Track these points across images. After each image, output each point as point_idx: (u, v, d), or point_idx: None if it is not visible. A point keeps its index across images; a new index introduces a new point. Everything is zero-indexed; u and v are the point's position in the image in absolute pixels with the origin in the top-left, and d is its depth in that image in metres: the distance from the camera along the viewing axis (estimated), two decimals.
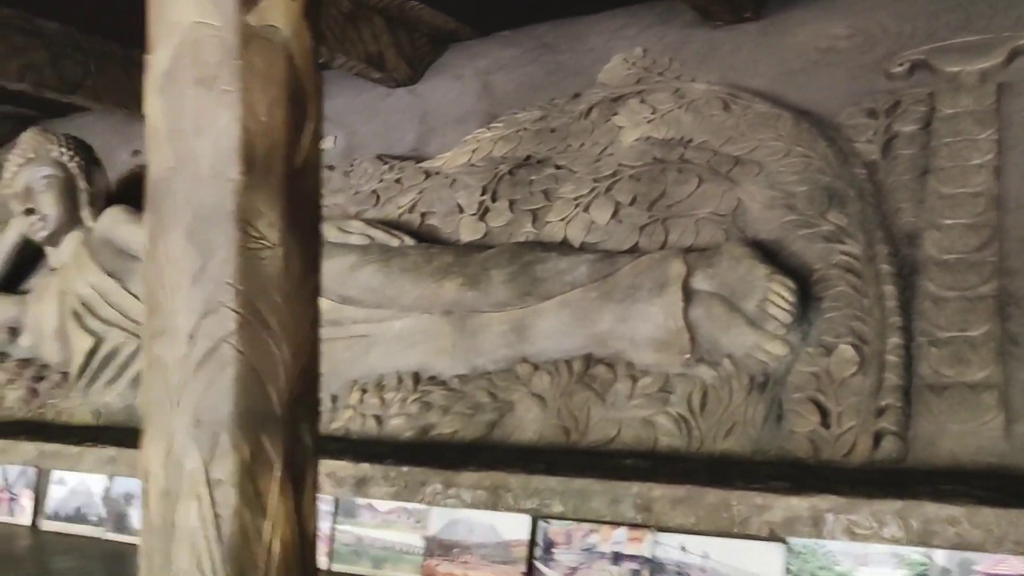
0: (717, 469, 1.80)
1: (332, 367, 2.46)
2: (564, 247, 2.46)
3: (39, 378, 2.97)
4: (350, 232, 2.73)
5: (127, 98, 4.35)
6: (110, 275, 3.00)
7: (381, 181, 3.05)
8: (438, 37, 3.96)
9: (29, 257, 3.64)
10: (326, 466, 1.91)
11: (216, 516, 1.15)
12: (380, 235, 2.70)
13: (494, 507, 1.75)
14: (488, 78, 3.65)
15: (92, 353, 2.85)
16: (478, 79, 3.67)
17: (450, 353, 2.33)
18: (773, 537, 1.66)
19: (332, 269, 2.60)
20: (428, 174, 2.99)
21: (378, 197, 2.98)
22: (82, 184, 3.33)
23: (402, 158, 3.22)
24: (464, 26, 3.84)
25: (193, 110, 1.16)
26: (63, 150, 3.34)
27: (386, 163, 3.18)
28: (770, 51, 3.02)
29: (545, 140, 2.90)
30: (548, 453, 1.98)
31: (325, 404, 2.39)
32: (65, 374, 2.94)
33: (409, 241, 2.67)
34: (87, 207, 3.31)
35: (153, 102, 1.21)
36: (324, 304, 2.51)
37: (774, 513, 1.65)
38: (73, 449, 2.29)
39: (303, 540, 1.23)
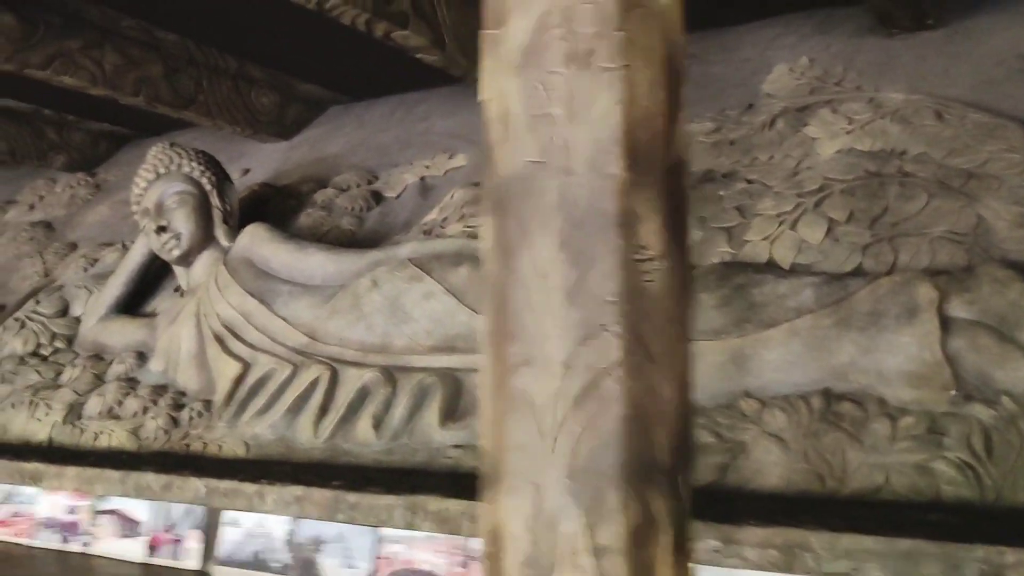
0: None
1: None
2: (777, 269, 2.23)
3: (178, 406, 2.77)
4: None
5: (238, 115, 4.20)
6: (254, 296, 2.81)
7: None
8: None
9: (151, 278, 3.48)
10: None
11: None
12: None
13: (788, 569, 1.50)
14: None
15: (239, 380, 2.64)
16: None
17: None
18: None
19: None
20: None
21: None
22: (215, 201, 3.16)
23: None
24: None
25: (564, 92, 0.95)
26: (195, 165, 3.17)
27: None
28: (962, 60, 2.79)
29: (725, 153, 2.68)
30: (805, 503, 1.73)
31: None
32: (207, 402, 2.75)
33: None
34: (222, 225, 3.14)
35: (505, 84, 1.00)
36: None
37: None
38: (250, 487, 2.07)
39: None
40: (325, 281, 2.80)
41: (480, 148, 3.45)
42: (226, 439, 2.58)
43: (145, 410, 2.84)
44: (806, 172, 2.46)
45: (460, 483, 2.02)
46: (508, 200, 0.99)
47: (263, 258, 2.93)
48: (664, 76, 0.98)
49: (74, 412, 2.98)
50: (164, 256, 3.13)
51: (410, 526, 1.82)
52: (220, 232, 3.13)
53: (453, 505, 1.79)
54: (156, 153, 3.24)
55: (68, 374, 3.20)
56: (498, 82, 1.01)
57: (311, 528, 1.99)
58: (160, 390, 2.91)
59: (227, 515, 2.15)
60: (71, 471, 2.45)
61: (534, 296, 0.95)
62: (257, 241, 2.96)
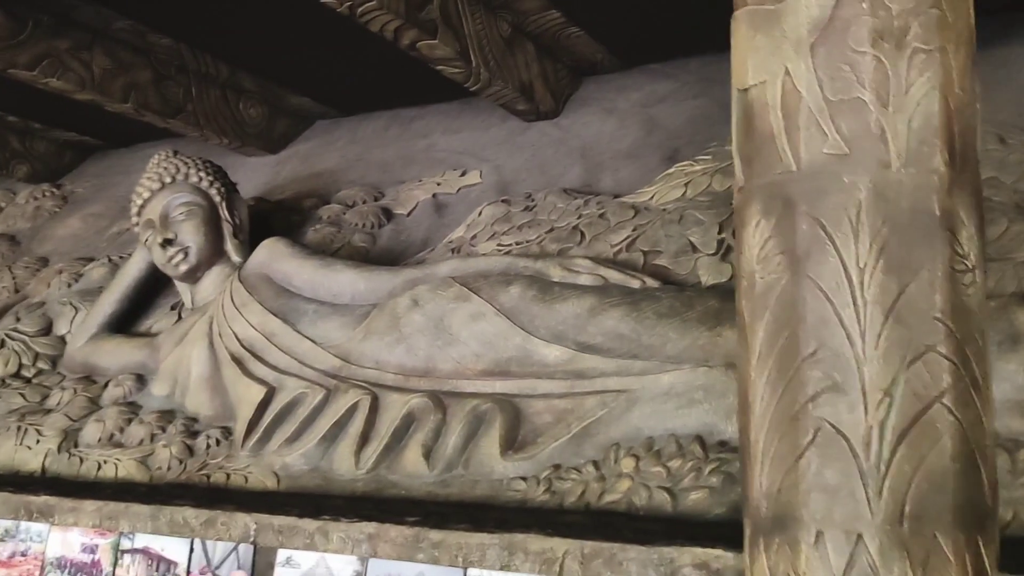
0: None
1: (584, 427, 2.11)
2: None
3: (192, 433, 2.56)
4: (578, 271, 2.39)
5: (226, 126, 4.02)
6: (276, 316, 2.62)
7: (580, 216, 2.72)
8: (578, 69, 3.70)
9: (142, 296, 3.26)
10: (692, 555, 1.55)
11: None
12: (615, 275, 2.36)
13: None
14: (649, 112, 3.38)
15: (264, 405, 2.45)
16: (637, 113, 3.40)
17: None
18: None
19: (567, 313, 2.27)
20: (637, 210, 2.66)
21: (582, 234, 2.64)
22: (225, 214, 2.97)
23: (592, 192, 2.91)
24: (611, 57, 3.58)
25: (874, 75, 0.83)
26: (203, 175, 2.98)
27: (576, 197, 2.86)
28: (1003, 87, 2.80)
29: None
30: None
31: (587, 471, 2.03)
32: (225, 429, 2.54)
33: (651, 282, 2.33)
34: (232, 239, 2.94)
35: (790, 65, 0.88)
36: (560, 354, 2.18)
37: None
38: (311, 523, 1.88)
39: None
40: (355, 300, 2.63)
41: (494, 166, 3.31)
42: (252, 470, 2.38)
43: (153, 437, 2.62)
44: None
45: (546, 520, 1.87)
46: (796, 198, 0.87)
47: (284, 275, 2.74)
48: (971, 61, 0.87)
49: (69, 439, 2.74)
50: (169, 271, 2.91)
51: (506, 567, 1.66)
52: (231, 246, 2.93)
53: (558, 544, 1.64)
54: (160, 161, 3.03)
55: (56, 398, 2.95)
56: (774, 63, 0.88)
57: (384, 569, 1.81)
58: (167, 416, 2.69)
59: (282, 554, 1.95)
60: (89, 505, 2.21)
61: (840, 311, 0.82)
62: (277, 256, 2.77)
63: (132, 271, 3.13)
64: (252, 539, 1.95)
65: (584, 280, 2.37)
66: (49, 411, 2.89)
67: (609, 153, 3.24)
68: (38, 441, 2.75)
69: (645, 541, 1.60)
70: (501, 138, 3.64)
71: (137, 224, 3.01)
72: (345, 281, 2.66)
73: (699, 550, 1.53)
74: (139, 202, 2.96)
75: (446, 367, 2.34)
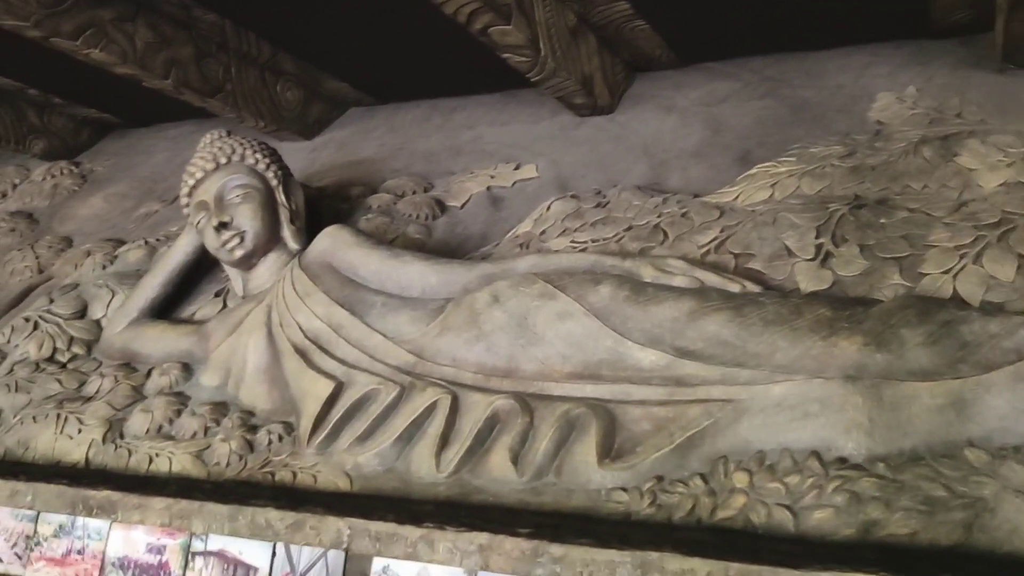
0: None
1: (688, 438, 1.99)
2: (980, 305, 2.05)
3: (250, 427, 2.42)
4: (671, 272, 2.28)
5: (263, 108, 3.89)
6: (343, 307, 2.48)
7: (660, 215, 2.60)
8: (634, 64, 3.61)
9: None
10: None
11: None
12: (712, 278, 2.25)
13: None
14: (711, 111, 3.30)
15: (331, 401, 2.32)
16: (699, 112, 3.32)
17: (866, 430, 1.86)
18: None
19: (663, 316, 2.16)
20: (722, 210, 2.56)
21: (665, 233, 2.53)
22: (281, 198, 2.82)
23: (669, 191, 2.80)
24: (670, 53, 3.49)
25: None
26: (259, 157, 2.83)
27: (652, 195, 2.74)
28: None
29: (869, 179, 2.50)
30: None
31: (694, 484, 1.92)
32: (286, 424, 2.40)
33: (751, 286, 2.23)
34: (289, 225, 2.80)
35: None
36: (657, 358, 2.07)
37: None
38: (413, 531, 1.75)
39: None
40: (425, 293, 2.50)
41: (549, 161, 3.21)
42: (320, 468, 2.24)
43: (207, 430, 2.47)
44: (975, 204, 2.30)
45: (660, 536, 1.76)
46: None
47: (349, 264, 2.60)
48: None
49: (114, 430, 2.58)
50: (222, 256, 2.76)
51: None
52: (288, 233, 2.79)
53: (699, 565, 1.52)
54: (214, 141, 2.88)
55: (95, 385, 2.79)
56: None
57: None
58: (220, 408, 2.55)
59: (378, 563, 1.82)
60: (158, 502, 2.05)
61: None
62: (342, 245, 2.63)
63: (178, 254, 2.97)
64: (345, 546, 1.82)
65: (678, 282, 2.25)
66: (89, 399, 2.73)
67: (674, 152, 3.14)
68: (80, 431, 2.59)
69: (794, 564, 1.48)
70: (553, 132, 3.53)
71: (187, 205, 2.86)
72: (415, 273, 2.52)
73: None
74: (191, 182, 2.81)
75: (530, 368, 2.22)
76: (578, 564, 1.59)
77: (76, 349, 2.97)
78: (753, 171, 2.70)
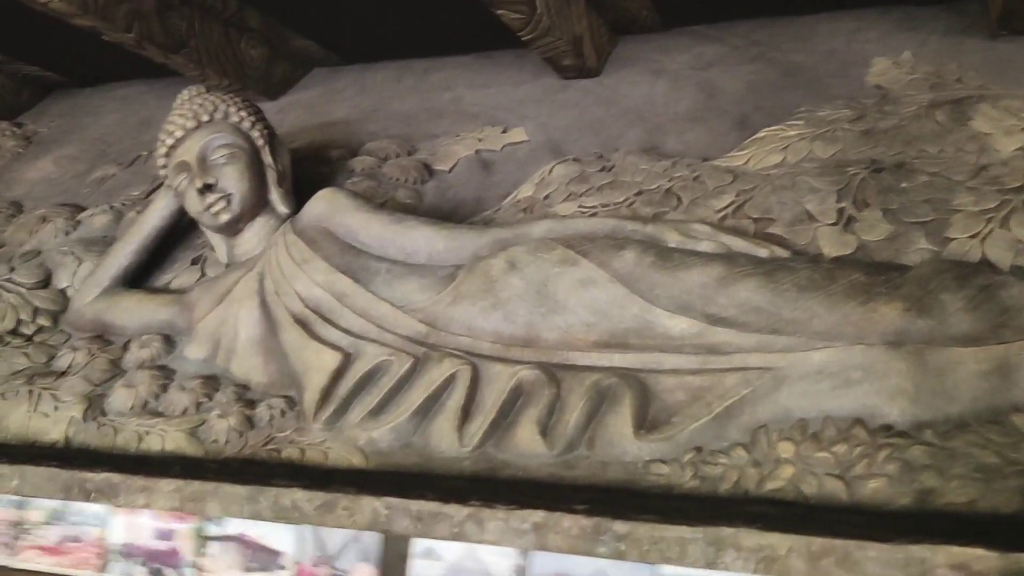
0: None
1: (726, 407, 1.93)
2: (1010, 270, 2.02)
3: (248, 402, 2.28)
4: (696, 237, 2.20)
5: (227, 66, 3.70)
6: (345, 274, 2.35)
7: (671, 179, 2.52)
8: (617, 26, 3.53)
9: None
10: (948, 554, 1.39)
11: None
12: (739, 242, 2.18)
13: None
14: (702, 75, 3.24)
15: (338, 373, 2.19)
16: (689, 76, 3.26)
17: (911, 397, 1.82)
18: None
19: (692, 282, 2.09)
20: (735, 174, 2.49)
21: (678, 198, 2.45)
22: (267, 159, 2.66)
23: (677, 155, 2.72)
24: (655, 15, 3.43)
25: None
26: (243, 115, 2.65)
27: (660, 158, 2.66)
28: None
29: (882, 143, 2.46)
30: None
31: (736, 455, 1.86)
32: (286, 398, 2.27)
33: (779, 251, 2.17)
34: (277, 188, 2.64)
35: None
36: (687, 326, 2.00)
37: None
38: (459, 510, 1.64)
39: None
40: (431, 260, 2.38)
41: (537, 124, 3.10)
42: (331, 445, 2.11)
43: (199, 406, 2.32)
44: (996, 168, 2.27)
45: (713, 509, 1.69)
46: None
47: (347, 229, 2.45)
48: None
49: (95, 406, 2.41)
50: (206, 220, 2.58)
51: (711, 565, 1.47)
52: (276, 196, 2.62)
53: (779, 541, 1.45)
54: (193, 97, 2.69)
55: (67, 359, 2.59)
56: None
57: (551, 564, 1.59)
58: (211, 382, 2.39)
59: (419, 545, 1.71)
60: (166, 484, 1.89)
61: None
62: (339, 209, 2.48)
63: (153, 219, 2.78)
64: (383, 527, 1.70)
65: (704, 247, 2.18)
66: (62, 374, 2.54)
67: (668, 116, 3.06)
68: (56, 408, 2.41)
69: (881, 538, 1.42)
70: (537, 95, 3.43)
71: (164, 167, 2.66)
72: (420, 239, 2.40)
73: (956, 549, 1.37)
74: (169, 142, 2.61)
75: (551, 336, 2.13)
76: (645, 542, 1.51)
77: (42, 320, 2.76)
78: (761, 135, 2.63)
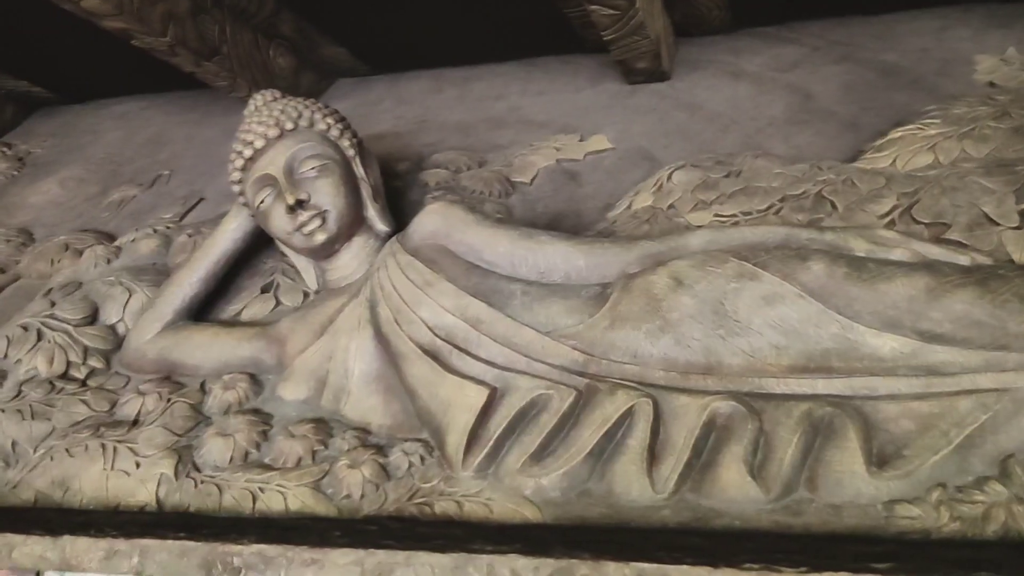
0: None
1: (967, 437, 1.69)
2: None
3: (377, 448, 1.96)
4: (888, 245, 1.97)
5: (257, 75, 3.40)
6: (475, 298, 2.05)
7: (816, 183, 2.30)
8: (683, 29, 3.34)
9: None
10: None
11: None
12: (934, 250, 1.96)
13: None
14: (787, 77, 3.06)
15: (485, 411, 1.90)
16: (773, 78, 3.08)
17: None
18: None
19: (897, 295, 1.85)
20: (886, 177, 2.27)
21: (832, 203, 2.22)
22: (360, 171, 2.35)
23: (798, 159, 2.51)
24: (726, 14, 3.25)
25: None
26: (331, 122, 2.34)
27: (796, 162, 2.44)
28: None
29: None
30: None
31: (992, 490, 1.62)
32: (421, 442, 1.96)
33: (981, 258, 1.95)
34: (373, 203, 2.33)
35: None
36: (899, 345, 1.76)
37: None
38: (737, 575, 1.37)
39: None
40: (570, 278, 2.10)
41: (617, 131, 2.84)
42: (491, 495, 1.81)
43: (314, 455, 2.00)
44: None
45: (991, 560, 1.45)
46: None
47: (469, 247, 2.16)
48: None
49: (184, 461, 2.06)
50: (298, 242, 2.25)
51: None
52: (373, 212, 2.31)
53: None
54: (270, 102, 2.36)
55: (133, 406, 2.23)
56: None
57: None
58: (322, 426, 2.07)
59: None
60: (341, 556, 1.55)
61: None
62: (458, 224, 2.18)
63: (223, 242, 2.43)
64: None
65: (897, 255, 1.95)
66: (133, 423, 2.18)
67: (764, 120, 2.85)
68: (138, 464, 2.05)
69: None
70: (604, 101, 3.19)
71: (239, 182, 2.33)
72: (558, 256, 2.12)
73: None
74: (247, 153, 2.28)
75: (735, 362, 1.87)
76: None
77: (94, 362, 2.39)
78: (897, 134, 2.43)
